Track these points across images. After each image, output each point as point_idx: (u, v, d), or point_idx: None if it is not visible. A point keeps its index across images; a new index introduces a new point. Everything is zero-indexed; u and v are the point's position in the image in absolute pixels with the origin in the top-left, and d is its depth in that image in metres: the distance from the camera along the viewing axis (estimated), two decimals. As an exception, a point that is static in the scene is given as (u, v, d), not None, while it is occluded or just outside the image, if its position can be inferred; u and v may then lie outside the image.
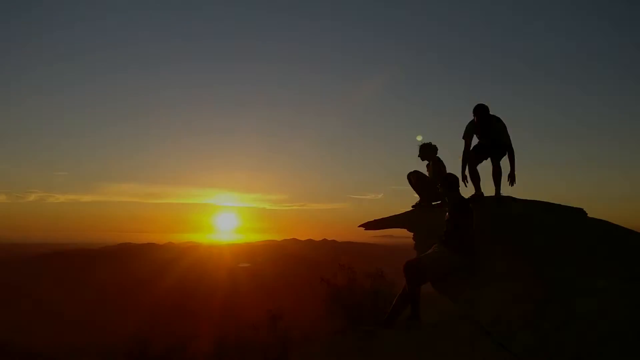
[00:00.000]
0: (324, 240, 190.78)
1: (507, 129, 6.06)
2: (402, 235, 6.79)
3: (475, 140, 6.26)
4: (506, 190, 6.10)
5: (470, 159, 6.17)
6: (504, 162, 6.13)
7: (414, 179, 6.90)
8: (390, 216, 7.04)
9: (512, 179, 5.96)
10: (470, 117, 6.13)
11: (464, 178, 6.14)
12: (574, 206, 6.01)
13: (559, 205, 6.06)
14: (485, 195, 6.24)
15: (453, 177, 5.37)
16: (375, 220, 7.08)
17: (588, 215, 5.89)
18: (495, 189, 6.16)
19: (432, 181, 6.56)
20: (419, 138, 7.00)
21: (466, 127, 6.23)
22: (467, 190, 6.49)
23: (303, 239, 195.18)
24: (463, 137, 6.23)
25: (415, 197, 7.06)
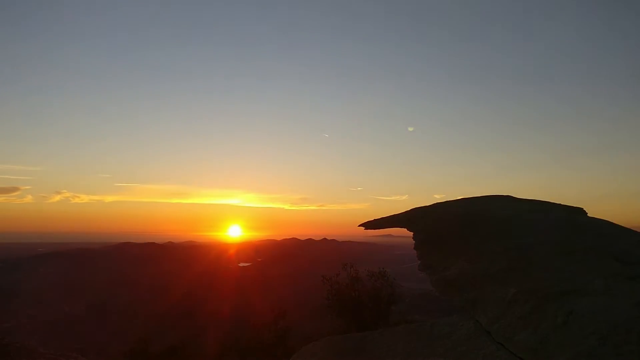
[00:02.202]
0: (324, 239, 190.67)
1: None
2: (402, 235, 6.79)
3: None
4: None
5: None
6: None
7: None
8: (390, 216, 7.03)
9: None
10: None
11: None
12: (574, 206, 6.02)
13: (559, 204, 6.07)
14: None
15: None
16: (375, 219, 7.07)
17: (588, 214, 5.90)
18: None
19: None
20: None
21: None
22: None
23: (304, 238, 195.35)
24: None
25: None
